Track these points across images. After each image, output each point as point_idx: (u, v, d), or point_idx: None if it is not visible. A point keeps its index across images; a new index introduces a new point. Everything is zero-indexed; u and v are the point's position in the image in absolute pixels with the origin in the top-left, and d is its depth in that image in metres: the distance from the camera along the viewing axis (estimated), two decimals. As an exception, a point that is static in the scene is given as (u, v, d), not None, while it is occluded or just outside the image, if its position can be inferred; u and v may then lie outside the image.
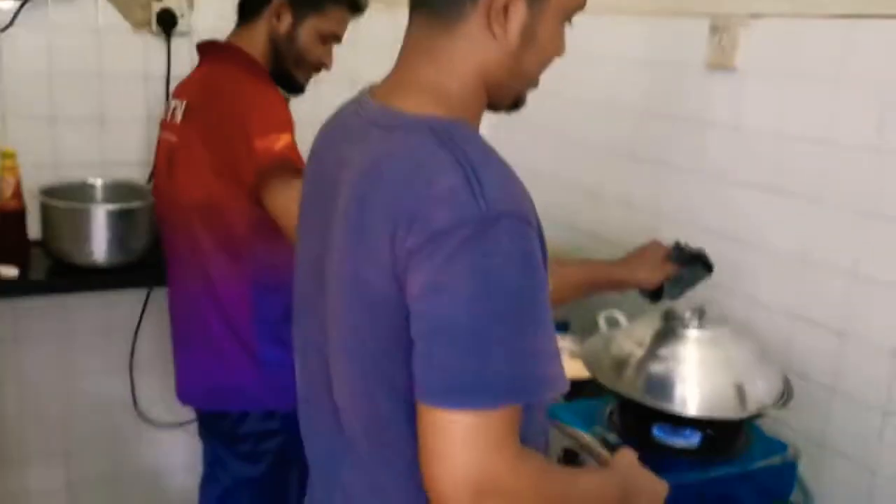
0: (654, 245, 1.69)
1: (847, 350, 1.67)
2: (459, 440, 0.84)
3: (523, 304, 0.86)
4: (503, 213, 0.85)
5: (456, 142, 0.89)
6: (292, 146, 1.58)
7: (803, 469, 1.66)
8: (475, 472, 0.84)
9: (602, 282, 1.68)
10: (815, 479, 1.70)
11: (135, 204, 2.12)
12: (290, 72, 1.79)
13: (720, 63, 1.89)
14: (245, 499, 1.84)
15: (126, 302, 2.40)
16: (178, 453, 2.57)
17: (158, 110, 2.33)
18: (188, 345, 1.82)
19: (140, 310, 2.41)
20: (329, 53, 1.81)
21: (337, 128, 1.09)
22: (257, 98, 1.63)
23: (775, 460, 1.56)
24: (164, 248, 1.89)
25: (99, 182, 2.28)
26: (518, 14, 0.95)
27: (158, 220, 1.89)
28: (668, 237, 1.76)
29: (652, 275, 1.64)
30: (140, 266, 2.17)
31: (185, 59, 2.34)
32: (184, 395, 1.88)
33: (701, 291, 1.72)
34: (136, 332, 2.42)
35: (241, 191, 1.60)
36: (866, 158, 1.61)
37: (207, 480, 1.95)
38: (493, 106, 1.05)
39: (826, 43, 1.67)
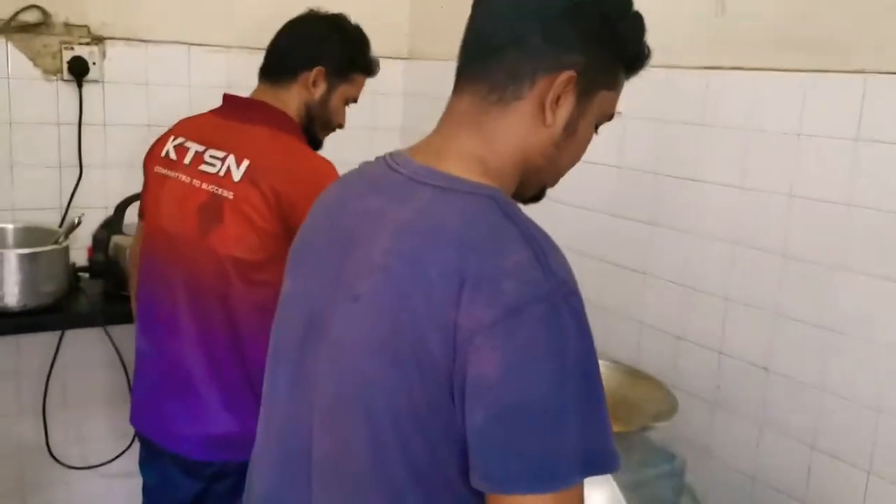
0: None
1: (725, 367, 1.83)
2: None
3: (594, 380, 0.87)
4: (570, 291, 0.87)
5: (519, 216, 0.92)
6: None
7: (690, 477, 1.80)
8: None
9: None
10: (702, 486, 1.84)
11: (46, 248, 2.14)
12: (317, 134, 1.90)
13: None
14: None
15: (38, 345, 2.40)
16: (92, 496, 2.56)
17: (70, 156, 2.39)
18: (189, 392, 1.75)
19: (53, 353, 2.41)
20: (345, 114, 1.96)
21: (358, 183, 1.07)
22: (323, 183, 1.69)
23: (664, 469, 1.70)
24: (151, 289, 1.82)
25: (10, 227, 2.29)
26: (567, 104, 0.98)
27: (149, 255, 1.82)
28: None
29: None
30: (52, 309, 2.17)
31: (97, 106, 2.40)
32: (175, 442, 1.79)
33: (591, 317, 1.87)
34: (48, 376, 2.41)
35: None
36: (729, 193, 1.79)
37: None
38: (518, 193, 1.05)
39: (690, 90, 1.87)
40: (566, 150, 1.02)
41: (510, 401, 0.83)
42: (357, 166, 1.13)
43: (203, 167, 1.73)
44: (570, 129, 1.00)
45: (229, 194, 1.68)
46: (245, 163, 1.69)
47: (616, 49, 1.00)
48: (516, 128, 0.98)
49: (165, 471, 1.86)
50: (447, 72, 1.05)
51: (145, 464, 1.93)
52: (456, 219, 0.90)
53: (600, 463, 0.86)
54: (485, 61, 0.99)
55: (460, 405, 0.86)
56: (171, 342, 1.77)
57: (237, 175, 1.69)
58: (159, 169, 1.81)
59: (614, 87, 1.03)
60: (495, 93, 0.98)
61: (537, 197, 1.09)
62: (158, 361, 1.81)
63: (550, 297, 0.84)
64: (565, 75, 0.96)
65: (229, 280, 1.70)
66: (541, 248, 0.87)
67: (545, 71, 0.96)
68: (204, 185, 1.72)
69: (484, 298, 0.84)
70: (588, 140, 1.04)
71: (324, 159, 1.75)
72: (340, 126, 1.95)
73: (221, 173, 1.70)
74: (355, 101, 1.96)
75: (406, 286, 0.89)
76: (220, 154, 1.73)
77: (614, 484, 1.49)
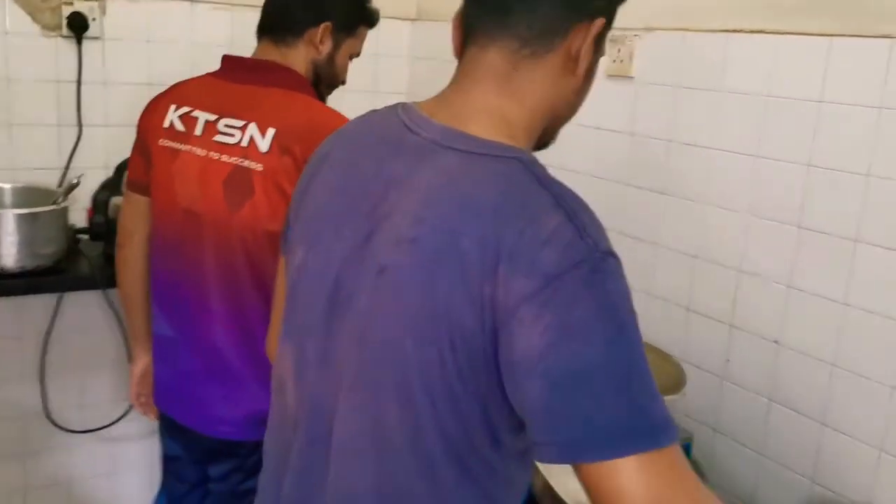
0: None
1: (736, 340, 1.80)
2: (643, 483, 0.78)
3: (641, 341, 0.84)
4: (606, 251, 0.84)
5: (548, 179, 0.89)
6: None
7: (697, 451, 1.78)
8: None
9: None
10: (708, 461, 1.82)
11: (45, 208, 2.10)
12: (322, 93, 1.84)
13: (618, 73, 2.01)
14: None
15: (37, 308, 2.38)
16: (91, 460, 2.55)
17: (69, 115, 2.34)
18: (226, 373, 1.70)
19: (51, 316, 2.39)
20: (347, 71, 1.90)
21: (372, 139, 1.02)
22: None
23: (670, 443, 1.67)
24: (174, 271, 1.74)
25: (8, 186, 2.25)
26: (589, 51, 0.96)
27: (167, 236, 1.74)
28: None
29: None
30: (51, 271, 2.14)
31: (97, 64, 2.35)
32: (214, 427, 1.73)
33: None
34: (46, 338, 2.39)
35: None
36: (745, 161, 1.75)
37: (190, 497, 1.90)
38: (537, 144, 1.02)
39: (708, 55, 1.80)
40: (582, 94, 1.01)
41: (566, 366, 0.79)
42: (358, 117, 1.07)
43: (220, 138, 1.64)
44: (590, 73, 0.99)
45: (258, 166, 1.60)
46: (270, 131, 1.60)
47: None
48: (546, 81, 0.96)
49: (191, 449, 1.84)
50: (457, 34, 1.00)
51: (169, 438, 1.89)
52: (487, 187, 0.87)
53: (671, 421, 0.82)
54: (510, 13, 0.94)
55: (510, 383, 0.83)
56: (200, 323, 1.70)
57: (264, 145, 1.60)
58: (165, 142, 1.70)
59: (612, 18, 1.01)
60: (528, 47, 0.95)
61: (547, 143, 1.06)
62: (186, 344, 1.74)
63: (590, 259, 0.82)
64: (600, 22, 0.95)
65: (263, 254, 1.62)
66: (574, 212, 0.85)
67: (580, 19, 0.94)
68: (224, 158, 1.63)
69: (523, 270, 0.81)
70: (594, 77, 1.03)
71: (345, 117, 1.64)
72: (343, 83, 1.89)
73: (244, 143, 1.62)
74: (358, 55, 1.90)
75: (437, 258, 0.86)
76: (238, 123, 1.64)
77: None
